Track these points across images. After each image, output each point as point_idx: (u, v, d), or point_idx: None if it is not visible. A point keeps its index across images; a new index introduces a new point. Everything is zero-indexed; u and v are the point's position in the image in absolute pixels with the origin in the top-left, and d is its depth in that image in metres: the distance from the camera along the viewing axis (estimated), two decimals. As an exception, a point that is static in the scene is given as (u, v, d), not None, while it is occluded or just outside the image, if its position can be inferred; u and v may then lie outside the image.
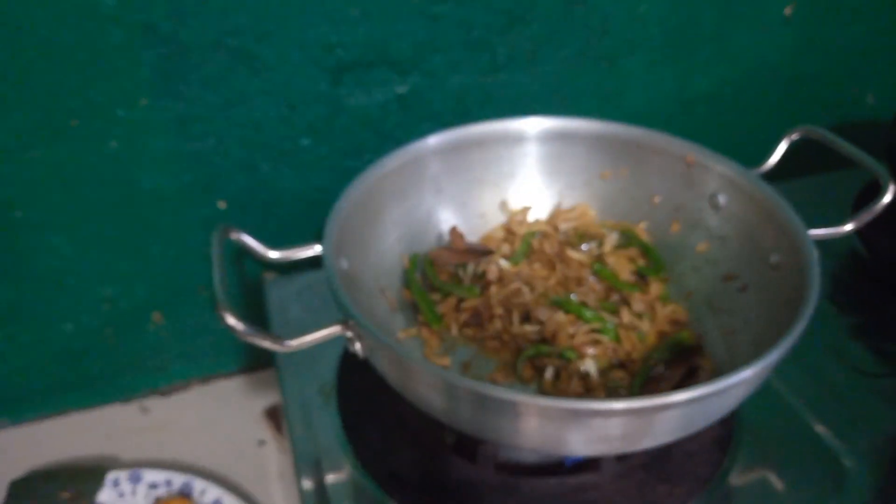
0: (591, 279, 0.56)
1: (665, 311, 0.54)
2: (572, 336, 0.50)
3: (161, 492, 0.60)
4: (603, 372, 0.49)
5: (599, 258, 0.57)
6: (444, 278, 0.56)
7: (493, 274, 0.55)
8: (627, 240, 0.57)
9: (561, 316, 0.51)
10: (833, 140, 0.53)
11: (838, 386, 0.56)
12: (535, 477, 0.49)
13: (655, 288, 0.55)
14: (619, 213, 0.60)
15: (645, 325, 0.52)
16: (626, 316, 0.52)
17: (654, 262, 0.56)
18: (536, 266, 0.57)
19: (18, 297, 0.62)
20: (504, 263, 0.56)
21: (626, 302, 0.54)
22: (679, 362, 0.49)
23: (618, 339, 0.51)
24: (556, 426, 0.38)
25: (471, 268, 0.56)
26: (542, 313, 0.51)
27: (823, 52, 0.77)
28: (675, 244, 0.58)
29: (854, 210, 0.51)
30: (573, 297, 0.53)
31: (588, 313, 0.51)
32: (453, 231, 0.57)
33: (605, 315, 0.52)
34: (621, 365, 0.50)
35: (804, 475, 0.49)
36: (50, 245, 0.61)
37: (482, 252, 0.57)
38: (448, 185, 0.59)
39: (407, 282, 0.56)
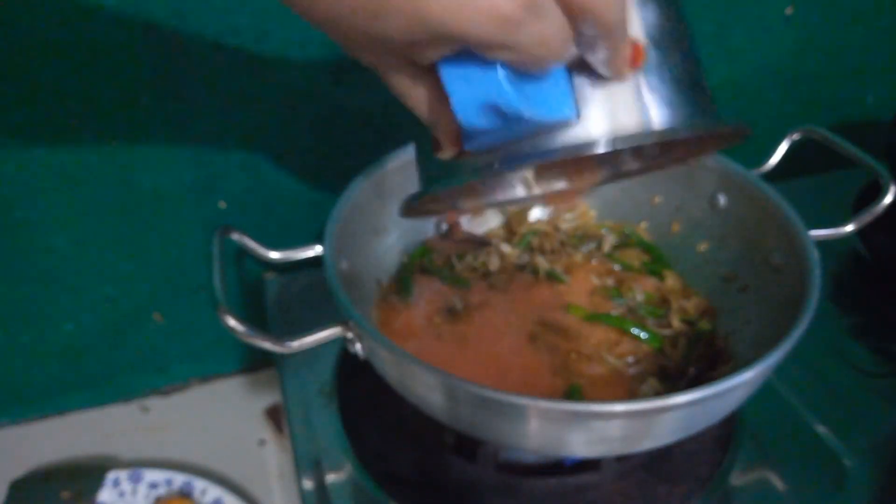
0: (593, 276, 0.55)
1: (691, 304, 0.53)
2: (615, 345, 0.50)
3: (161, 491, 0.60)
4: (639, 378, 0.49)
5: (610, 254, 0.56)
6: (440, 265, 0.56)
7: (493, 265, 0.55)
8: (626, 240, 0.57)
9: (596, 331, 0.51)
10: (833, 140, 0.53)
11: (838, 386, 0.56)
12: (535, 477, 0.49)
13: (672, 280, 0.55)
14: (619, 213, 0.60)
15: (675, 322, 0.52)
16: (675, 323, 0.52)
17: (657, 259, 0.56)
18: (537, 266, 0.57)
19: (18, 297, 0.62)
20: (507, 248, 0.55)
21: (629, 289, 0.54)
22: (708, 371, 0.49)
23: (660, 347, 0.50)
24: (556, 428, 0.38)
25: (468, 258, 0.56)
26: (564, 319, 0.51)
27: (824, 52, 0.77)
28: (676, 244, 0.57)
29: (855, 210, 0.51)
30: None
31: (633, 328, 0.51)
32: (450, 217, 0.57)
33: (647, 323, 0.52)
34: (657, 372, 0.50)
35: (804, 475, 0.49)
36: (50, 245, 0.61)
37: (480, 242, 0.57)
38: (448, 185, 0.59)
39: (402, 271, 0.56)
